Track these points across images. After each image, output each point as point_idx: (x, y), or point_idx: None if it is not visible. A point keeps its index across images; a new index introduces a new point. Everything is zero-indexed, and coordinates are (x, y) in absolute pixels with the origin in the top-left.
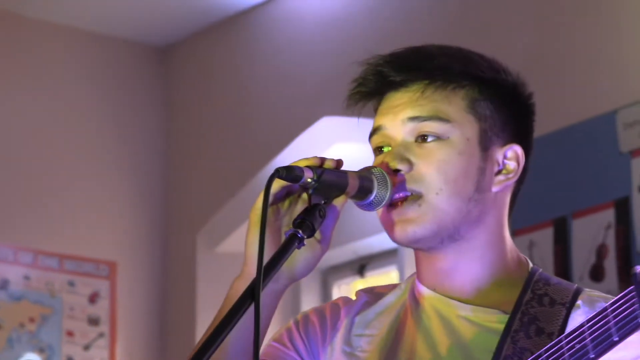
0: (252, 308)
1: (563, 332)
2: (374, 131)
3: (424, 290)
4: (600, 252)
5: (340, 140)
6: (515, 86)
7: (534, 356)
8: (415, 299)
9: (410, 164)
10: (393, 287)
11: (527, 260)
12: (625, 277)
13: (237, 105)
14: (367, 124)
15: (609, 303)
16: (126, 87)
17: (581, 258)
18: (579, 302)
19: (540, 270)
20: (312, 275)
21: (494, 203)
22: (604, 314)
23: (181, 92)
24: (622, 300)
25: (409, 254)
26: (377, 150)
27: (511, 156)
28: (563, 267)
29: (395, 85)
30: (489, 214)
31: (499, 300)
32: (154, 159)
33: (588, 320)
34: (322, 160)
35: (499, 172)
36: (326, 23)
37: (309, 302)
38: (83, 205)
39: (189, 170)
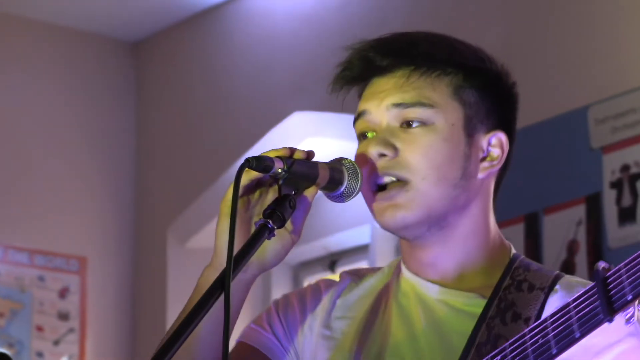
0: (221, 298)
1: (540, 317)
2: (358, 116)
3: (406, 273)
4: (571, 247)
5: (311, 135)
6: (499, 75)
7: (497, 350)
8: (397, 281)
9: (395, 149)
10: (376, 270)
11: (510, 247)
12: None
13: (208, 101)
14: (339, 119)
15: (571, 299)
16: (97, 82)
17: (552, 254)
18: (557, 286)
19: (522, 257)
20: (283, 271)
21: (480, 190)
22: (566, 309)
23: (152, 87)
24: (585, 297)
25: (380, 250)
26: (362, 136)
27: (495, 143)
28: None
29: (380, 71)
30: (474, 201)
31: (479, 285)
32: (124, 154)
33: (551, 316)
34: (293, 150)
35: (483, 159)
36: (297, 18)
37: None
38: (53, 201)
39: (160, 166)
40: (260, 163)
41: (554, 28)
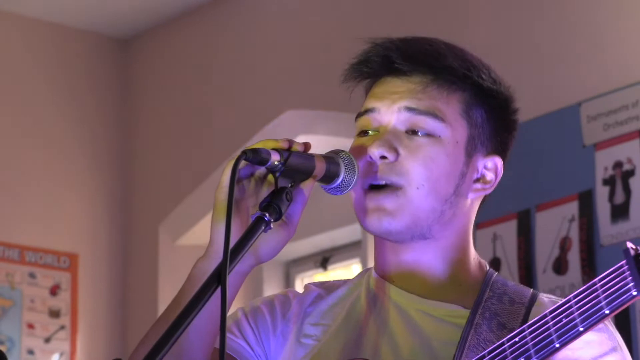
0: (218, 291)
1: None
2: (365, 112)
3: (383, 283)
4: (564, 244)
5: (303, 133)
6: (508, 99)
7: (495, 345)
8: (371, 292)
9: (397, 153)
10: (344, 282)
11: (485, 264)
12: (588, 269)
13: (200, 98)
14: (331, 117)
15: (597, 278)
16: (87, 79)
17: (545, 250)
18: (538, 300)
19: (497, 273)
20: (274, 268)
21: (467, 209)
22: (593, 287)
23: (143, 83)
24: (614, 275)
25: (371, 247)
26: (362, 132)
27: (491, 167)
28: (526, 260)
29: (398, 73)
30: (460, 218)
31: (459, 297)
32: (115, 151)
33: (576, 295)
34: (291, 142)
35: (477, 180)
36: (289, 16)
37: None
38: (44, 197)
39: (151, 163)
40: (256, 155)
41: (546, 25)
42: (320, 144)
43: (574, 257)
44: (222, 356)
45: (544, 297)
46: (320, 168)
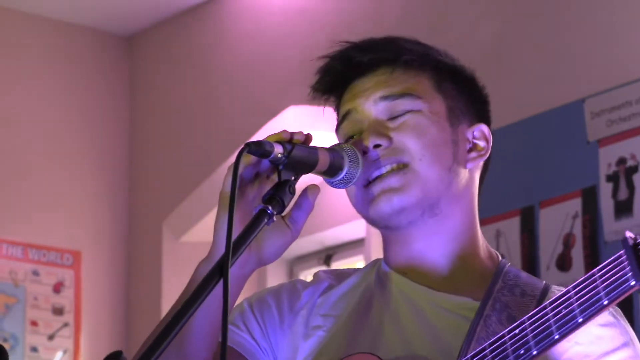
0: (220, 285)
1: None
2: (343, 118)
3: (393, 275)
4: (567, 241)
5: (307, 129)
6: (473, 75)
7: (496, 337)
8: (382, 283)
9: (389, 138)
10: (354, 271)
11: (497, 254)
12: (592, 266)
13: (203, 95)
14: (333, 114)
15: (597, 268)
16: (91, 76)
17: (548, 247)
18: (549, 294)
19: (509, 264)
20: (278, 265)
21: (469, 181)
22: (592, 278)
23: (146, 80)
24: (612, 264)
25: (375, 244)
26: (348, 139)
27: (479, 135)
28: (530, 257)
29: (361, 70)
30: (466, 191)
31: (470, 288)
32: (119, 148)
33: (574, 286)
34: (292, 134)
35: (470, 150)
36: (292, 12)
37: None
38: (48, 194)
39: (154, 160)
40: (259, 148)
41: (550, 21)
42: (323, 140)
43: (577, 254)
44: (223, 351)
45: (556, 289)
46: (323, 161)
